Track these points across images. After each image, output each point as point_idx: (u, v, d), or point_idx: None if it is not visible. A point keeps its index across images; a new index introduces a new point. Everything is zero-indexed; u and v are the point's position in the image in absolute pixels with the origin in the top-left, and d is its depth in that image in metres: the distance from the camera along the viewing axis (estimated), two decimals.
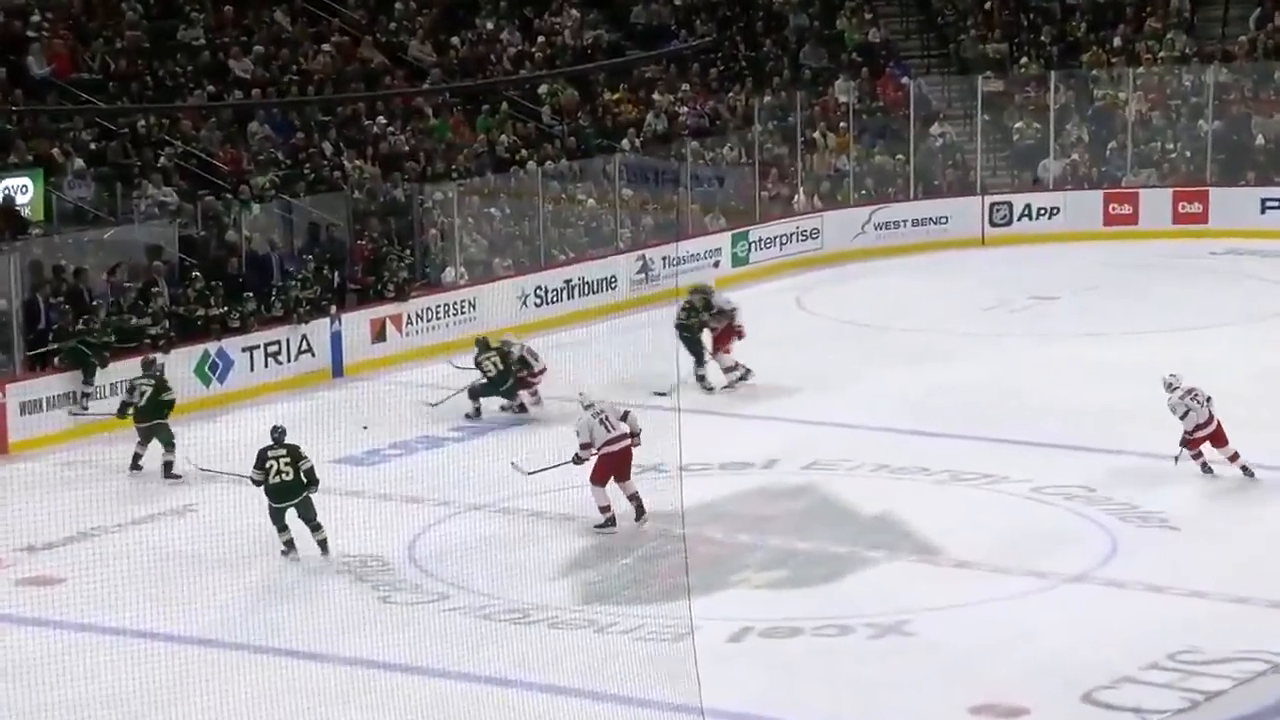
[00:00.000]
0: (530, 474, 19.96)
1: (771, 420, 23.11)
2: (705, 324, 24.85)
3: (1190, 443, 20.53)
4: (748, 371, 24.70)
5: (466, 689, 15.81)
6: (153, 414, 21.88)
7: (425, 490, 20.72)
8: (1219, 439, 20.46)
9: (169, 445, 21.68)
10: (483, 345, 24.26)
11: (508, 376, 23.81)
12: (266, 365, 25.65)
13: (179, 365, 24.69)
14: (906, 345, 26.89)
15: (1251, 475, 20.35)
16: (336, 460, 22.09)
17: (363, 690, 15.89)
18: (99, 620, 17.17)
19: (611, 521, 19.53)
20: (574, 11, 36.67)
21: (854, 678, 15.83)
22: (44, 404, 23.54)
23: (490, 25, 35.55)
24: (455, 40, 34.50)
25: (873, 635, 16.63)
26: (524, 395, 24.09)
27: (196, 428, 23.77)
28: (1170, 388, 20.77)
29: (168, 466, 21.58)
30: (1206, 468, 20.51)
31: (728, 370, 24.72)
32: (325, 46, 32.51)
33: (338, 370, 26.49)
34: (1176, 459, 20.27)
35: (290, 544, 18.83)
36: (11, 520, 18.79)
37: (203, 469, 20.78)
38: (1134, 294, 29.95)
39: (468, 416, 23.87)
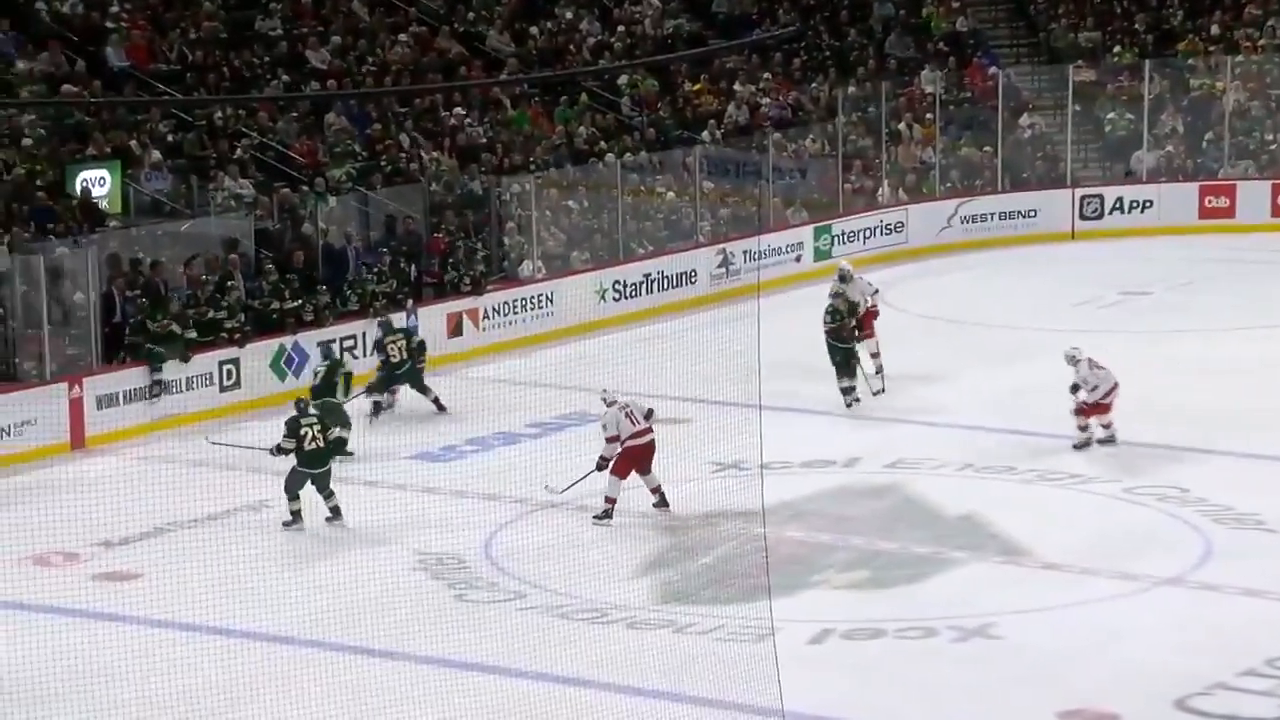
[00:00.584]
0: (562, 492, 20.07)
1: (854, 418, 23.06)
2: (854, 331, 23.92)
3: (1084, 410, 21.28)
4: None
5: (542, 689, 15.87)
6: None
7: (502, 487, 20.78)
8: (1107, 408, 21.33)
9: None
10: (386, 327, 24.06)
11: (405, 364, 23.90)
12: (342, 359, 25.72)
13: (254, 359, 24.91)
14: (993, 342, 26.79)
15: (1113, 442, 21.29)
16: (412, 457, 22.26)
17: (437, 690, 15.96)
18: (174, 616, 17.35)
19: (609, 514, 19.78)
20: (654, 1, 36.69)
21: (937, 682, 15.81)
22: (120, 398, 23.72)
23: (569, 15, 35.63)
24: (534, 30, 34.58)
25: (956, 639, 16.61)
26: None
27: (274, 424, 23.97)
28: (1073, 360, 21.42)
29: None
30: (1094, 441, 21.32)
31: (873, 355, 24.32)
32: (402, 37, 32.63)
33: None
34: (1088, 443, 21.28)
35: (298, 514, 19.50)
36: (88, 515, 18.98)
37: (214, 442, 21.34)
38: (1229, 290, 29.74)
39: (374, 415, 23.77)
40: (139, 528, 19.61)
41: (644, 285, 29.82)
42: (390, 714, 15.50)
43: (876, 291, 24.64)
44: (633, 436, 19.77)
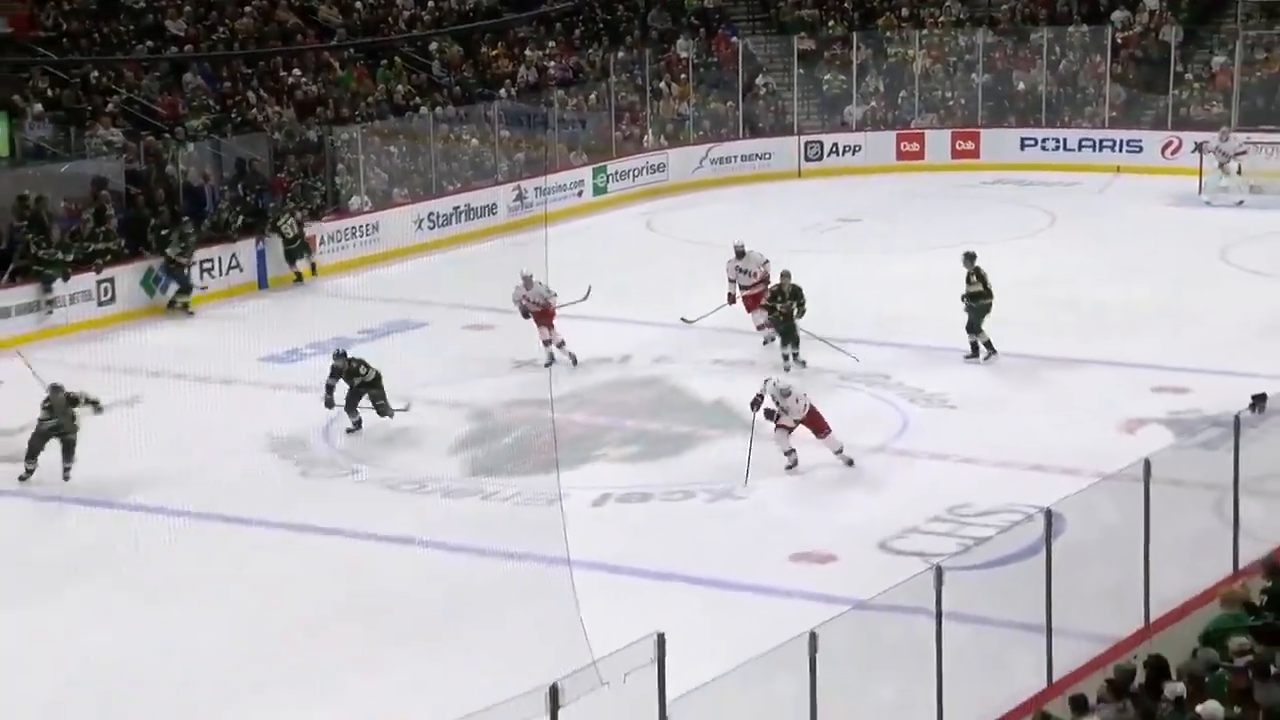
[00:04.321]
0: (694, 321, 21.21)
1: (624, 323, 23.11)
2: (785, 313, 20.83)
3: (748, 300, 21.64)
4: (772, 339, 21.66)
5: (374, 546, 15.80)
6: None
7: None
8: (758, 300, 21.44)
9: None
10: (339, 357, 18.97)
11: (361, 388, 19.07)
12: (202, 279, 25.26)
13: (127, 278, 24.33)
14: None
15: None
16: (262, 359, 21.89)
17: (289, 548, 15.82)
18: (62, 494, 16.99)
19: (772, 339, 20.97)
20: None
21: (695, 535, 15.98)
22: (13, 311, 23.11)
23: None
24: (358, 4, 33.95)
25: (709, 500, 16.78)
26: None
27: (145, 333, 23.49)
28: (740, 254, 21.80)
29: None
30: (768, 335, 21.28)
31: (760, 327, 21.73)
32: (248, 9, 31.86)
33: (263, 283, 26.16)
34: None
35: (359, 424, 18.72)
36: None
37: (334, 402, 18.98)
38: (921, 216, 30.18)
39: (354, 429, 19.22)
40: (29, 419, 19.08)
41: (453, 216, 29.56)
42: (250, 568, 15.35)
43: (767, 262, 21.99)
44: (746, 288, 21.23)
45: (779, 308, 20.81)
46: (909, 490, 16.87)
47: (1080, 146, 34.27)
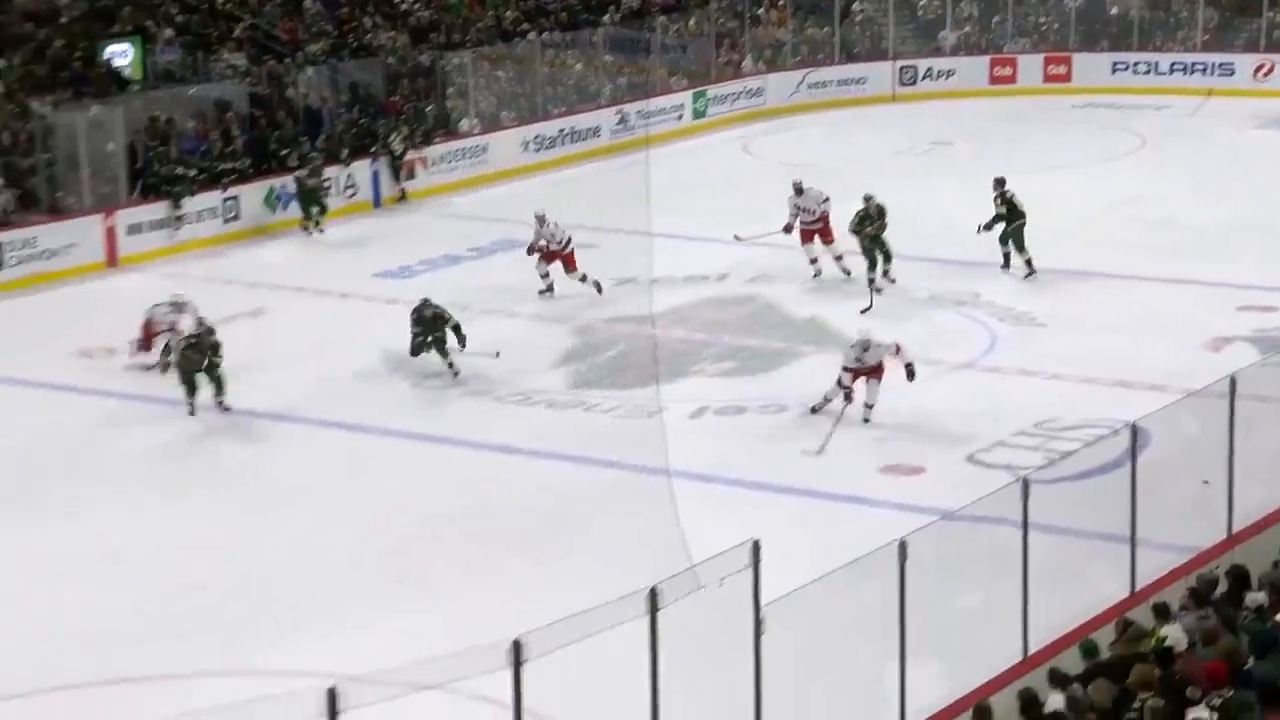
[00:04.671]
0: (745, 240, 20.95)
1: (722, 243, 22.98)
2: (876, 233, 20.52)
3: (805, 233, 21.03)
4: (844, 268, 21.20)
5: (483, 455, 15.92)
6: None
7: (447, 296, 20.61)
8: (827, 235, 21.00)
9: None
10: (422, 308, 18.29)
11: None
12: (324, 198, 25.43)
13: (251, 197, 24.56)
14: (833, 181, 26.66)
15: (848, 274, 20.83)
16: (377, 275, 22.06)
17: (403, 456, 15.99)
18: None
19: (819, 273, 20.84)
20: None
21: (787, 446, 15.94)
22: (144, 227, 23.41)
23: None
24: None
25: (803, 413, 16.72)
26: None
27: (267, 248, 23.75)
28: (799, 191, 21.15)
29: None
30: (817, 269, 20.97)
31: (837, 258, 21.15)
32: None
33: (377, 202, 26.31)
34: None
35: (454, 367, 17.97)
36: (122, 318, 18.75)
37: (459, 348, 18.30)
38: (1012, 139, 29.74)
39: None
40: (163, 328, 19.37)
41: (558, 139, 29.48)
42: (367, 476, 15.53)
43: (827, 200, 21.28)
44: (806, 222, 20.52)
45: (868, 229, 20.54)
46: (996, 405, 16.72)
47: (1172, 70, 33.58)
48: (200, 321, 17.32)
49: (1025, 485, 10.91)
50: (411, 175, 26.77)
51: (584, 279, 20.42)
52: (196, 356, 16.89)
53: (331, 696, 7.72)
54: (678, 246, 21.53)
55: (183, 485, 15.27)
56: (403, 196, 26.41)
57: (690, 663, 9.45)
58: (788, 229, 21.29)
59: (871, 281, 20.31)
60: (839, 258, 21.09)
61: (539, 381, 17.82)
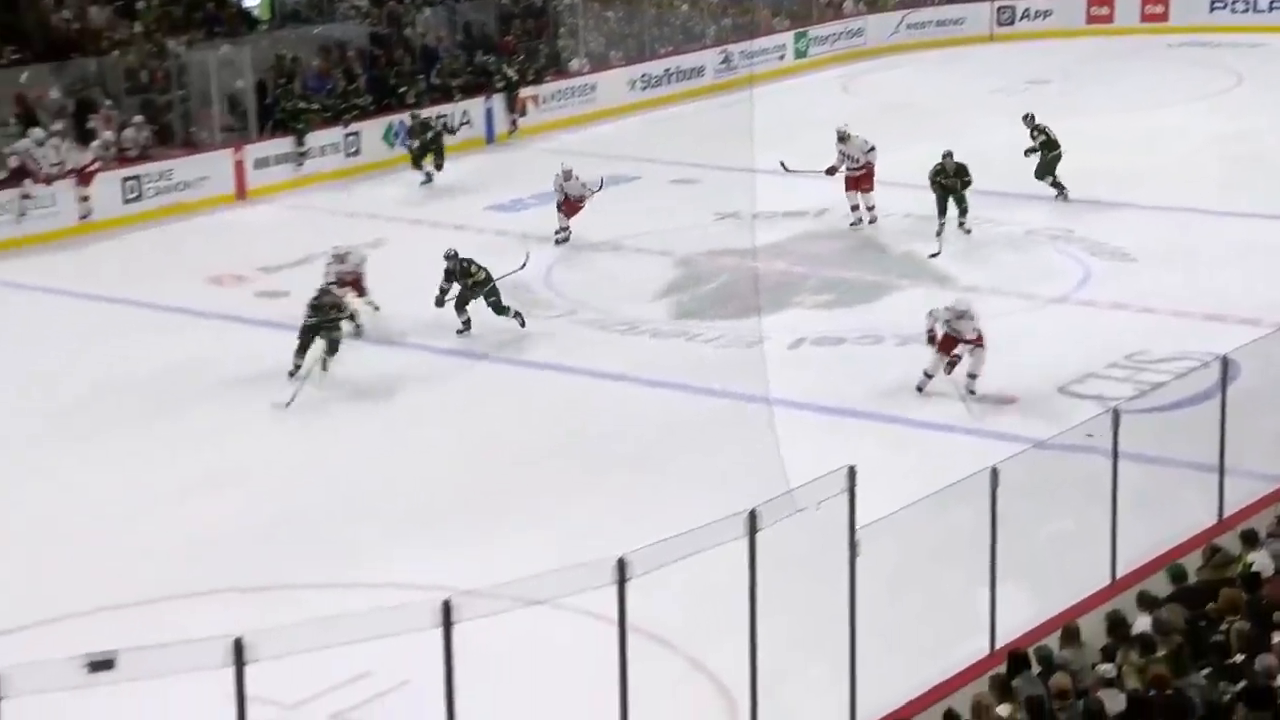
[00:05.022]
0: (790, 171, 20.51)
1: (823, 179, 22.77)
2: (949, 187, 19.84)
3: (849, 180, 20.51)
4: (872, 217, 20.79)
5: (588, 382, 15.96)
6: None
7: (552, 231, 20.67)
8: (867, 183, 20.49)
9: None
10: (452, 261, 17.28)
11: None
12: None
13: (371, 133, 24.67)
14: (930, 120, 26.36)
15: (874, 223, 20.47)
16: (488, 208, 22.12)
17: (513, 383, 16.06)
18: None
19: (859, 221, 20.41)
20: None
21: (884, 377, 15.83)
22: (271, 160, 23.61)
23: None
24: None
25: (898, 344, 16.59)
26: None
27: (385, 182, 23.86)
28: (842, 138, 20.59)
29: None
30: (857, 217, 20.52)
31: (869, 209, 20.73)
32: None
33: (489, 138, 26.33)
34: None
35: (469, 324, 17.21)
36: (251, 248, 18.97)
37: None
38: (1109, 78, 29.16)
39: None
40: (288, 258, 19.61)
41: (664, 78, 29.33)
42: (479, 402, 15.63)
43: (872, 149, 20.74)
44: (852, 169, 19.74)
45: (940, 181, 19.91)
46: (1089, 338, 16.51)
47: (1270, 8, 32.74)
48: (325, 290, 16.20)
49: (1116, 415, 10.79)
50: (523, 112, 26.77)
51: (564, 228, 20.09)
52: (313, 315, 15.89)
53: (446, 609, 7.80)
54: (778, 181, 21.33)
55: (305, 408, 15.44)
56: (514, 130, 26.41)
57: (787, 583, 9.44)
58: (831, 171, 20.79)
59: (940, 230, 19.71)
60: (871, 207, 20.61)
61: (644, 312, 17.80)
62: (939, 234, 19.61)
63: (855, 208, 20.72)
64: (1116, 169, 21.86)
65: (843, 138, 20.76)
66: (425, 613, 7.75)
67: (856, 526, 9.42)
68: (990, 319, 17.01)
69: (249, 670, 7.41)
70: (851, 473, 9.64)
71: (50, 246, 20.57)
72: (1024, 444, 12.15)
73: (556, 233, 20.23)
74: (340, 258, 17.50)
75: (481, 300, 16.95)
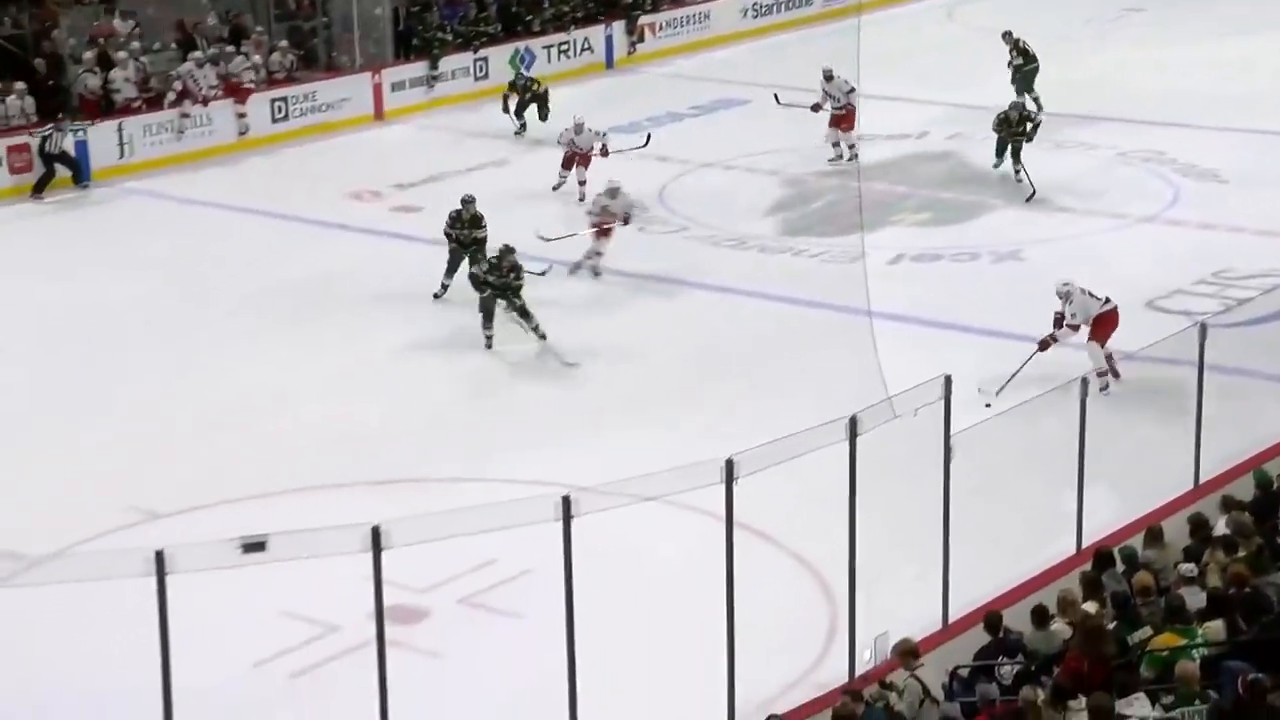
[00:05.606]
0: (783, 105, 19.64)
1: (923, 103, 22.37)
2: (1007, 136, 18.48)
3: (834, 118, 19.30)
4: (852, 155, 19.81)
5: (700, 294, 15.92)
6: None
7: (671, 150, 20.53)
8: (848, 122, 19.35)
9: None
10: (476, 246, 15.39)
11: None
12: (559, 59, 25.38)
13: (499, 58, 24.61)
14: (1030, 46, 25.66)
15: (855, 158, 19.19)
16: (608, 130, 21.92)
17: (627, 293, 16.05)
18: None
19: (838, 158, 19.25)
20: None
21: (978, 290, 15.65)
22: (407, 84, 23.65)
23: None
24: None
25: (993, 261, 16.39)
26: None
27: (512, 105, 23.79)
28: (828, 77, 19.17)
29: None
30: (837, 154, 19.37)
31: (850, 147, 19.79)
32: None
33: (609, 63, 26.16)
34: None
35: (446, 290, 15.74)
36: (386, 166, 19.06)
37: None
38: (1204, 5, 28.20)
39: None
40: (420, 176, 19.70)
41: (775, 6, 28.85)
42: (593, 310, 15.64)
43: (852, 90, 19.47)
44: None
45: (1001, 132, 18.64)
46: (1177, 256, 16.19)
47: None
48: (508, 249, 14.36)
49: (1203, 328, 10.63)
50: (641, 39, 26.53)
51: (582, 183, 18.19)
52: (494, 283, 14.11)
53: (566, 504, 7.87)
54: (883, 107, 21.00)
55: (439, 314, 15.56)
56: (633, 51, 26.19)
57: (885, 485, 9.40)
58: (816, 108, 19.88)
59: (997, 165, 18.71)
60: (851, 145, 19.75)
61: (752, 228, 17.70)
62: (1017, 177, 18.28)
63: (835, 144, 19.84)
64: (1209, 92, 21.24)
65: (827, 77, 19.64)
66: (547, 507, 7.83)
67: (951, 432, 9.35)
68: (1082, 237, 16.77)
69: (385, 556, 7.54)
70: (947, 381, 9.56)
71: (208, 162, 20.86)
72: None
73: (580, 198, 18.18)
74: (612, 193, 16.26)
75: (506, 301, 14.47)
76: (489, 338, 14.50)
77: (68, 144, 19.64)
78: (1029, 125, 18.48)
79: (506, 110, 21.39)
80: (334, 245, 17.60)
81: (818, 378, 13.21)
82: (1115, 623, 8.52)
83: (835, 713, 7.95)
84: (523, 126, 20.80)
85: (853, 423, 8.80)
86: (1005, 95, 20.51)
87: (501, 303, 14.40)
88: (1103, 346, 13.25)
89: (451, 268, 15.59)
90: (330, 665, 9.63)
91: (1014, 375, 12.85)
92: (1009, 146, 18.56)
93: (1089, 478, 10.11)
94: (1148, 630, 8.34)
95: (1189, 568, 8.95)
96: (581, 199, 18.23)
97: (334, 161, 21.07)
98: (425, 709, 8.70)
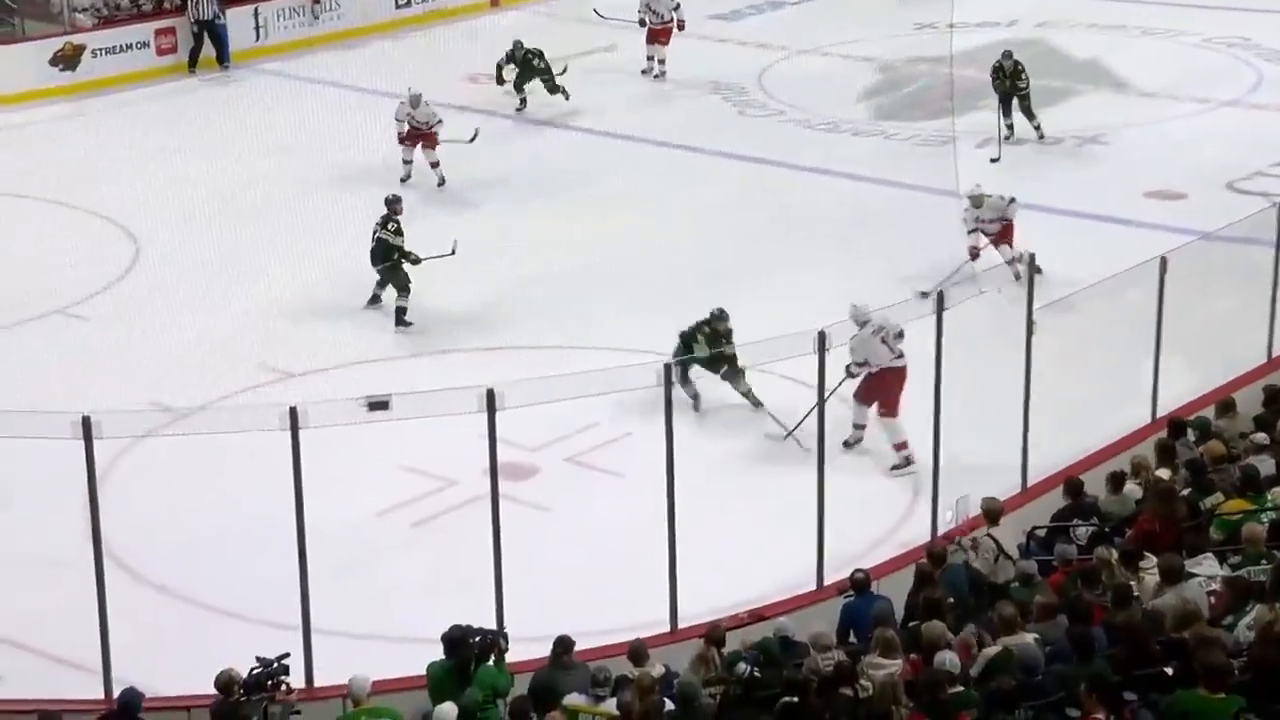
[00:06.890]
0: (604, 17, 18.93)
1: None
2: (1009, 89, 15.98)
3: (652, 31, 18.33)
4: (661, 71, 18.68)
5: (795, 175, 15.68)
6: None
7: (772, 37, 20.09)
8: (666, 37, 18.30)
9: None
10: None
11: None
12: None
13: None
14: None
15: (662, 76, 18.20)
16: (710, 16, 21.52)
17: (726, 172, 15.84)
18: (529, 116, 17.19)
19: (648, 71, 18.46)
20: None
21: (1063, 173, 15.22)
22: None
23: None
24: None
25: (1078, 144, 15.97)
26: None
27: None
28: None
29: None
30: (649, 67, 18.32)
31: (660, 62, 18.75)
32: None
33: None
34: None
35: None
36: (502, 51, 18.75)
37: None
38: None
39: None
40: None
41: None
42: (697, 187, 15.40)
43: (678, 7, 18.54)
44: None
45: (996, 84, 16.28)
46: (1258, 139, 15.63)
47: None
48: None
49: None
50: None
51: (435, 165, 15.55)
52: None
53: (666, 371, 7.86)
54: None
55: (553, 190, 15.44)
56: None
57: (970, 357, 9.24)
58: (642, 23, 18.86)
59: (1004, 135, 16.11)
60: (663, 61, 18.61)
61: (846, 112, 17.32)
62: (999, 138, 15.86)
63: (650, 58, 18.83)
64: None
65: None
66: (649, 373, 7.80)
67: (1034, 307, 9.16)
68: (1165, 121, 16.22)
69: (499, 417, 7.56)
70: (1031, 258, 9.33)
71: (338, 45, 20.77)
72: (1191, 236, 11.58)
73: (403, 169, 15.66)
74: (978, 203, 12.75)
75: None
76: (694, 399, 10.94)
77: (209, 16, 19.66)
78: (1025, 78, 15.94)
79: (501, 82, 17.88)
80: (467, 124, 17.32)
81: (906, 253, 12.96)
82: (1189, 489, 8.35)
83: (919, 567, 7.90)
84: (523, 102, 18.05)
85: (940, 298, 8.64)
86: None
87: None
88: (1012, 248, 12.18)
89: None
90: (448, 516, 9.75)
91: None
92: (1013, 101, 16.02)
93: (1166, 350, 9.89)
94: (1219, 496, 8.17)
95: (1261, 436, 8.75)
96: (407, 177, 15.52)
97: (451, 46, 20.87)
98: (534, 557, 8.78)
